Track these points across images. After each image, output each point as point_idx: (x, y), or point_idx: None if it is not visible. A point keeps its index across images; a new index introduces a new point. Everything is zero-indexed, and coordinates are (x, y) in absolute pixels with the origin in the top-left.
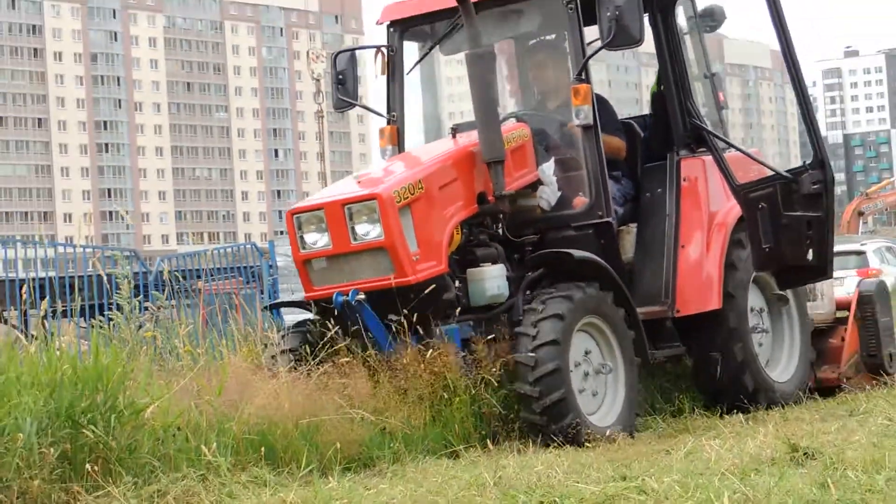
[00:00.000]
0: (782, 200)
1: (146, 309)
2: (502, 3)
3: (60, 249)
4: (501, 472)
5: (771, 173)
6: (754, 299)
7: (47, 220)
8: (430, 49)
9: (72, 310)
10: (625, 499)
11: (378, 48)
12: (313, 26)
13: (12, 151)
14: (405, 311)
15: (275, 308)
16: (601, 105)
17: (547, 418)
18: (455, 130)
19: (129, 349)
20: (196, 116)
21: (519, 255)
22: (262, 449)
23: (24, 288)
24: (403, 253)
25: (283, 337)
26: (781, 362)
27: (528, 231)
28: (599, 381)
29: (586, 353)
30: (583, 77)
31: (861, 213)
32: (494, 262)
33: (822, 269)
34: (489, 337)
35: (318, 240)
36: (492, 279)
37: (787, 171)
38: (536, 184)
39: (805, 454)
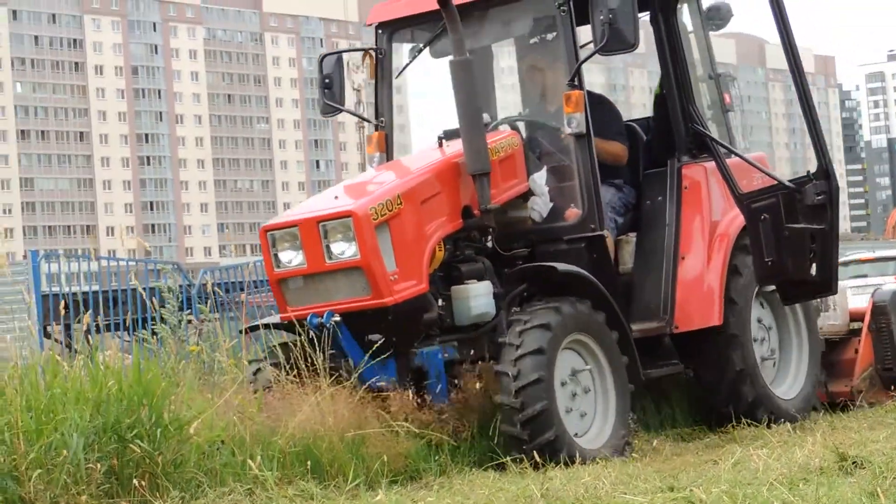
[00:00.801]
0: (785, 211)
1: (189, 322)
2: (494, 5)
3: (104, 263)
4: (548, 483)
5: (774, 182)
6: (761, 314)
7: (90, 233)
8: (419, 52)
9: (116, 324)
10: None
11: (366, 51)
12: (353, 37)
13: (55, 165)
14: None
15: (252, 331)
16: (603, 107)
17: (528, 433)
18: (442, 139)
19: (172, 363)
20: (237, 128)
21: (509, 270)
22: (308, 462)
23: (65, 302)
24: (380, 273)
25: (258, 371)
26: (788, 379)
27: (519, 244)
28: (588, 401)
29: (573, 372)
30: (575, 83)
31: None
32: (480, 279)
33: (826, 285)
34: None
35: (292, 258)
36: (477, 297)
37: (791, 181)
38: (528, 194)
39: (854, 463)
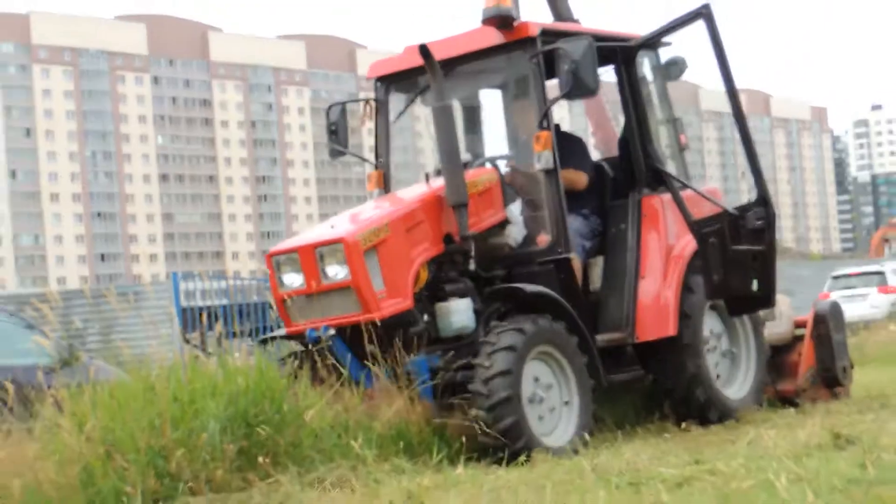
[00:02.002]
0: (730, 235)
1: None
2: (476, 59)
3: (231, 282)
4: (596, 458)
5: (720, 210)
6: (714, 324)
7: (218, 258)
8: (412, 101)
9: (242, 332)
10: (698, 479)
11: (366, 101)
12: None
13: (189, 203)
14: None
15: (264, 343)
16: (574, 143)
17: (492, 416)
18: (429, 175)
19: (290, 365)
20: (338, 170)
21: (487, 290)
22: (401, 443)
23: (206, 314)
24: (368, 292)
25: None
26: (738, 381)
27: (498, 267)
28: (554, 404)
29: (538, 379)
30: (544, 125)
31: (886, 240)
32: (462, 297)
33: (766, 299)
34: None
35: (294, 280)
36: (458, 313)
37: (735, 208)
38: (505, 222)
39: (846, 440)
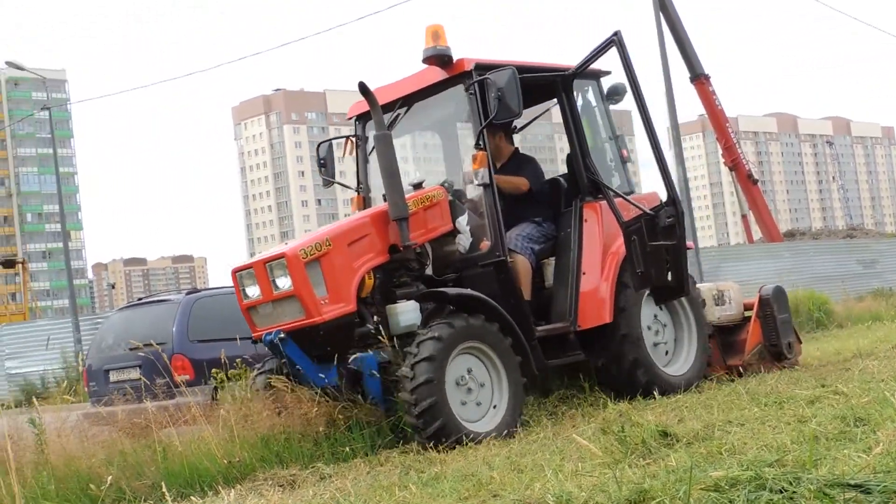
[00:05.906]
0: (647, 232)
1: None
2: (428, 94)
3: None
4: (748, 385)
5: (640, 211)
6: (657, 312)
7: None
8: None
9: None
10: (826, 398)
11: (347, 137)
12: None
13: None
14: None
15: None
16: (528, 161)
17: (422, 422)
18: (385, 196)
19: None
20: None
21: (424, 292)
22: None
23: None
24: (310, 299)
25: (254, 378)
26: (680, 360)
27: (450, 271)
28: (484, 393)
29: (469, 371)
30: (480, 145)
31: None
32: (409, 299)
33: (680, 289)
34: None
35: (253, 291)
36: (404, 313)
37: (651, 209)
38: (455, 232)
39: None
